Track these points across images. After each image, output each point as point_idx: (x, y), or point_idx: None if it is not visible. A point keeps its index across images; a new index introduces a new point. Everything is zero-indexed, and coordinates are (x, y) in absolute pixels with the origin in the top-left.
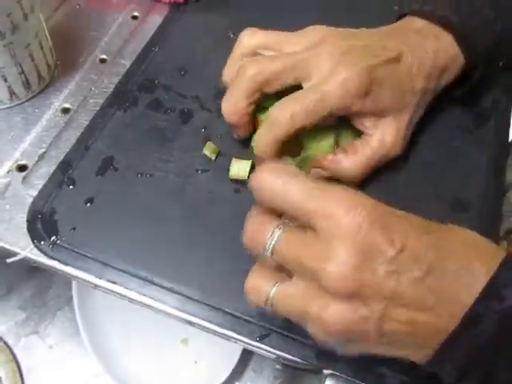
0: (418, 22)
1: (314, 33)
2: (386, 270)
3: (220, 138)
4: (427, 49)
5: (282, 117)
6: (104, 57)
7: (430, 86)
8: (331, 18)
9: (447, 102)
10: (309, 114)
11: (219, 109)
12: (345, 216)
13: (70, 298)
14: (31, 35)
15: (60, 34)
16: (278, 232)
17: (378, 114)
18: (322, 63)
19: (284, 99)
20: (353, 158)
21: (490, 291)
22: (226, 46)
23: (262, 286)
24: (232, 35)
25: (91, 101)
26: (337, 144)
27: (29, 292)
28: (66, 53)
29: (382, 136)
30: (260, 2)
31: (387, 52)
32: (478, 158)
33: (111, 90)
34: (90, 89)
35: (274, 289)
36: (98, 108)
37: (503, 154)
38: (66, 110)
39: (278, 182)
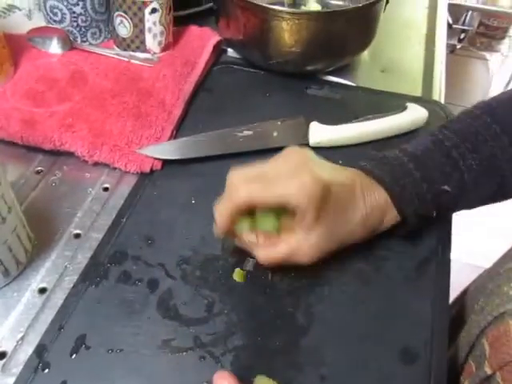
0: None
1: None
2: None
3: (185, 305)
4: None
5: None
6: (78, 232)
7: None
8: None
9: (388, 255)
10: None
11: (183, 275)
12: None
13: None
14: (8, 232)
15: (37, 212)
16: None
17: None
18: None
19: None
20: (268, 250)
21: None
22: (189, 211)
23: None
24: (194, 201)
25: (66, 278)
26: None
27: None
28: (43, 231)
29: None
30: (220, 168)
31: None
32: (422, 306)
33: (85, 264)
34: (65, 266)
35: None
36: (72, 285)
37: (445, 301)
38: (42, 290)
39: None
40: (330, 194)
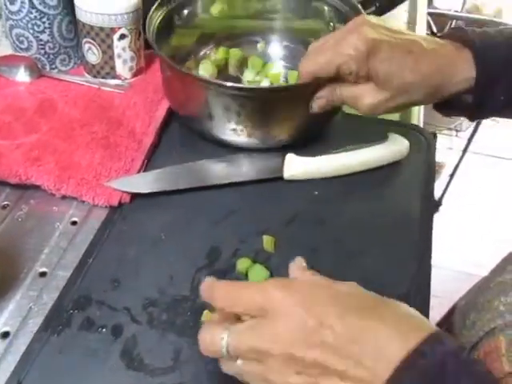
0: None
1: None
2: (316, 346)
3: (150, 352)
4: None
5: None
6: (44, 270)
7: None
8: None
9: None
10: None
11: (149, 320)
12: (282, 299)
13: None
14: None
15: (1, 251)
16: (226, 337)
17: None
18: None
19: None
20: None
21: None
22: (158, 248)
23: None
24: (164, 237)
25: (30, 321)
26: None
27: None
28: (8, 269)
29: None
30: (190, 201)
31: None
32: None
33: (50, 305)
34: (30, 307)
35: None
36: (36, 329)
37: None
38: (5, 335)
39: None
40: (382, 47)
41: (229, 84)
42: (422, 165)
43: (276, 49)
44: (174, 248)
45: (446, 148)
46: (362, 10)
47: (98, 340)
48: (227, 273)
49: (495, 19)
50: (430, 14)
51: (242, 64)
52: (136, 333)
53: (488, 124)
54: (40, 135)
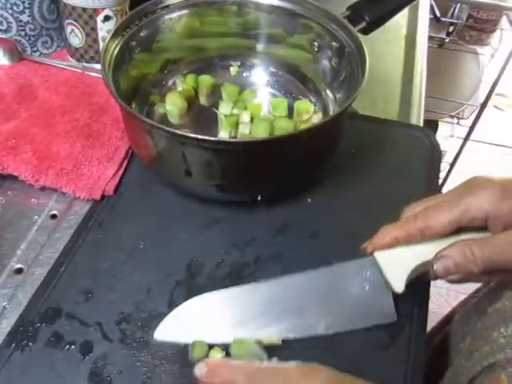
0: None
1: None
2: None
3: (120, 375)
4: None
5: None
6: (20, 266)
7: None
8: None
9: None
10: None
11: (121, 338)
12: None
13: None
14: None
15: None
16: None
17: None
18: None
19: None
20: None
21: None
22: (136, 258)
23: None
24: (142, 246)
25: (3, 321)
26: None
27: None
28: None
29: None
30: (172, 208)
31: None
32: (395, 374)
33: (25, 305)
34: (4, 306)
35: None
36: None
37: (419, 370)
38: None
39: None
40: None
41: (211, 139)
42: (424, 173)
43: (256, 72)
44: (153, 258)
45: (447, 135)
46: (351, 27)
47: (64, 358)
48: (208, 289)
49: (501, 3)
50: None
51: (215, 92)
52: (106, 351)
53: (490, 112)
54: (18, 122)
